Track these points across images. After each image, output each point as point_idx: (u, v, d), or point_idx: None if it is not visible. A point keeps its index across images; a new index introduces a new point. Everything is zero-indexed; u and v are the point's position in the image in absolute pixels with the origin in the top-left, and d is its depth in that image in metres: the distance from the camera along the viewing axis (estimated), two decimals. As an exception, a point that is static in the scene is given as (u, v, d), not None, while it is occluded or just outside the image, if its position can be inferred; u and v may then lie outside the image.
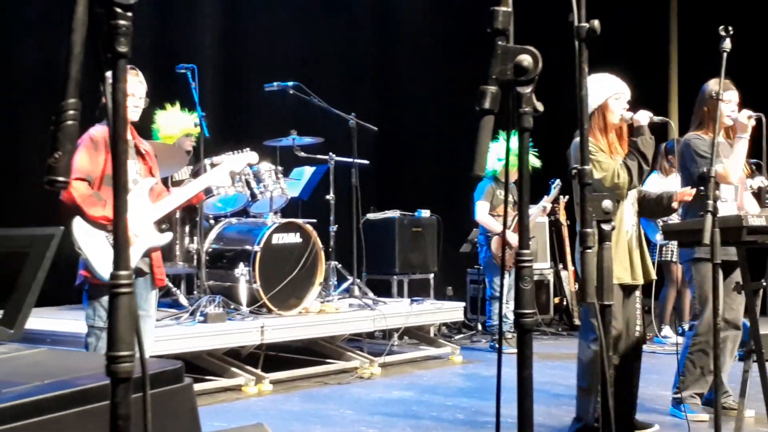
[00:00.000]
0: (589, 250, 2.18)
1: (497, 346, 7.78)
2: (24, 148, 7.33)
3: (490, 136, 1.81)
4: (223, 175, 4.90)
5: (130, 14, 1.33)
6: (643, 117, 4.32)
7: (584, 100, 2.19)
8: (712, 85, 4.78)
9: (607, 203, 2.24)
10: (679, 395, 4.98)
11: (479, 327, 8.56)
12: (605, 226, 2.27)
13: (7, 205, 7.07)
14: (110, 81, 1.38)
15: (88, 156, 4.22)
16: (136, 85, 4.34)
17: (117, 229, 1.33)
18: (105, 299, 4.21)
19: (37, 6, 7.43)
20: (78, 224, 4.13)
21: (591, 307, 2.20)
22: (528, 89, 1.81)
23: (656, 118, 4.38)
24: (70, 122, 1.32)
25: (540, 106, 1.83)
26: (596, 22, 2.20)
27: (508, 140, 1.85)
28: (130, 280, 1.34)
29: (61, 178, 1.32)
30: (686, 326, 6.43)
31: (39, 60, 7.41)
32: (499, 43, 1.79)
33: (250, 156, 5.10)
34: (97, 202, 4.18)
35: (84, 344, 4.28)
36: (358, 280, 7.53)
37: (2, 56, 7.28)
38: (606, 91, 4.33)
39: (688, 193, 4.62)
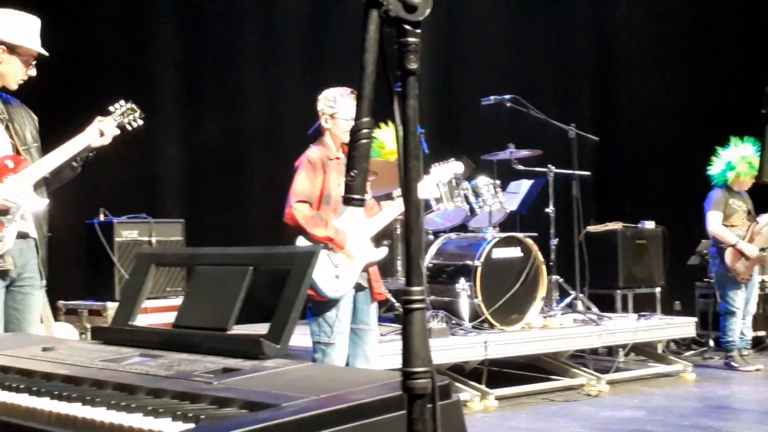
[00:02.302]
0: None
1: (733, 363, 7.32)
2: (252, 175, 7.77)
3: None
4: (430, 187, 4.94)
5: (419, 31, 1.33)
6: None
7: None
8: None
9: None
10: None
11: (711, 343, 8.12)
12: None
13: (238, 227, 7.50)
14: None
15: (308, 178, 4.34)
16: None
17: (409, 245, 1.33)
18: (329, 315, 4.36)
19: (257, 48, 7.87)
20: (301, 244, 4.25)
21: None
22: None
23: None
24: (364, 141, 1.34)
25: (835, 106, 1.68)
26: None
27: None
28: (422, 296, 1.33)
29: (356, 196, 1.34)
30: None
31: (263, 100, 7.86)
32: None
33: (455, 165, 5.10)
34: (319, 223, 4.29)
35: (311, 360, 4.37)
36: (581, 295, 7.34)
37: (231, 99, 7.79)
38: None
39: None
